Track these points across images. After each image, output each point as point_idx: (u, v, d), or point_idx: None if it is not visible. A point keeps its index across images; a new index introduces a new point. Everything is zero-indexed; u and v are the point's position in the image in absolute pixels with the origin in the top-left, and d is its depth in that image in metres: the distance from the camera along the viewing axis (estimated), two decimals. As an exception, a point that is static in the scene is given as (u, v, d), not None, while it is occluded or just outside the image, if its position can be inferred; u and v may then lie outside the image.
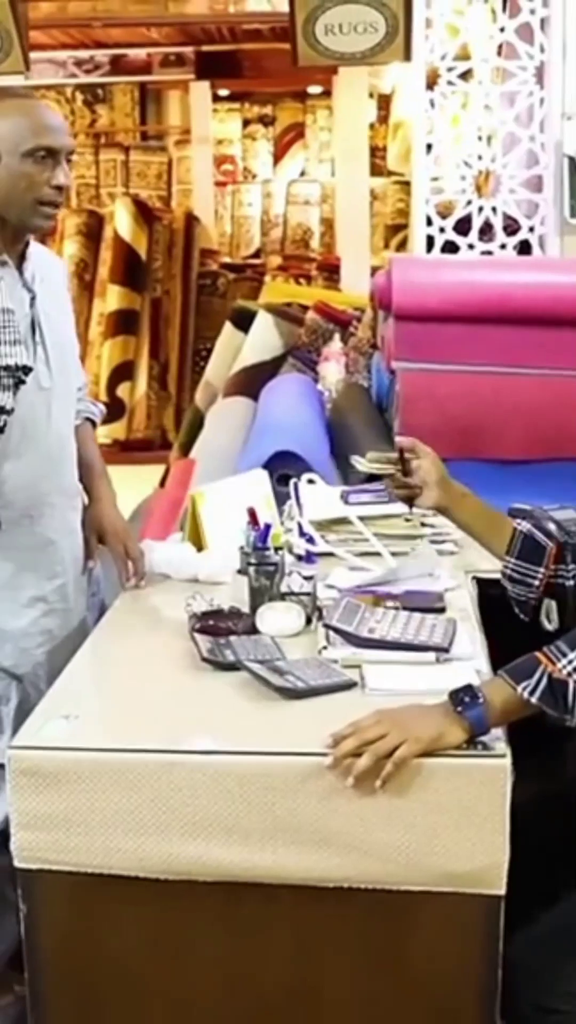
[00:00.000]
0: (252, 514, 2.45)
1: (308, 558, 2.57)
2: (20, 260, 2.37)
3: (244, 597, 2.33)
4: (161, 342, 7.81)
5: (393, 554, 2.61)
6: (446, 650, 2.04)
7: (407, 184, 8.63)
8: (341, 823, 1.69)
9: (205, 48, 7.99)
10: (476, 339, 3.63)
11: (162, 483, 5.23)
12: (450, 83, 4.70)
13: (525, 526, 2.20)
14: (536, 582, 2.17)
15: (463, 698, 1.73)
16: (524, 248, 4.86)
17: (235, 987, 1.77)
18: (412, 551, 2.71)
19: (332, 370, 4.84)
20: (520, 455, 3.57)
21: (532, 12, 4.61)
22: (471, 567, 2.61)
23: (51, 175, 2.28)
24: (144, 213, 7.73)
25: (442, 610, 2.27)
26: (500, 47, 4.70)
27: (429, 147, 4.79)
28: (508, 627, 2.33)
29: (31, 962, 1.80)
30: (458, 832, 1.69)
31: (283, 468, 3.19)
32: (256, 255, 8.80)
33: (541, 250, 4.84)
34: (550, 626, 2.56)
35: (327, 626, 2.10)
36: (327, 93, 8.56)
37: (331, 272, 7.82)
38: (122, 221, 7.64)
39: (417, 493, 2.24)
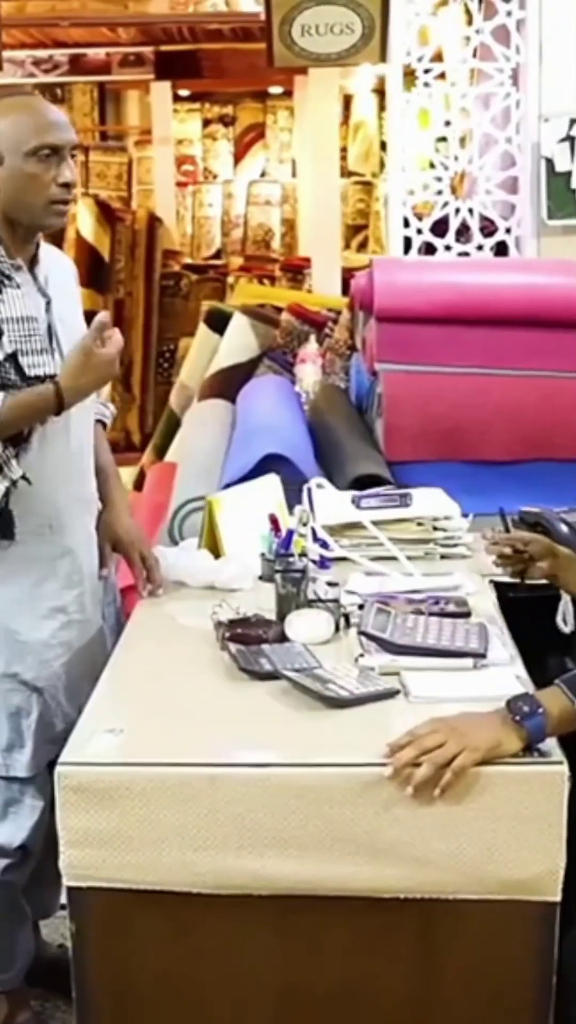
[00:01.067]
0: (274, 520, 2.43)
1: (322, 563, 2.55)
2: (31, 263, 2.33)
3: (267, 604, 2.31)
4: (124, 344, 7.74)
5: (407, 558, 2.61)
6: (483, 655, 2.03)
7: (367, 184, 8.67)
8: (399, 833, 1.68)
9: (164, 48, 7.92)
10: (458, 340, 3.62)
11: (136, 486, 5.18)
12: (426, 84, 4.70)
13: None
14: None
15: (522, 707, 1.72)
16: (501, 249, 4.87)
17: (290, 1001, 1.75)
18: (425, 555, 2.71)
19: (309, 372, 4.82)
20: (504, 456, 3.56)
21: (508, 14, 4.62)
22: (487, 571, 2.61)
23: (57, 173, 2.23)
24: (106, 214, 7.66)
25: (467, 615, 2.27)
26: (475, 49, 4.70)
27: (403, 149, 4.78)
28: (526, 630, 2.34)
29: (79, 981, 1.77)
30: (515, 840, 1.69)
31: (273, 471, 3.17)
32: (217, 256, 8.76)
33: (518, 251, 4.84)
34: (567, 628, 2.57)
35: (362, 633, 2.09)
36: (288, 94, 8.55)
37: (295, 273, 7.80)
38: (84, 222, 7.57)
39: (527, 567, 2.36)
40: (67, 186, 2.24)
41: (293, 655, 2.05)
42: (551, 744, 1.73)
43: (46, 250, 2.39)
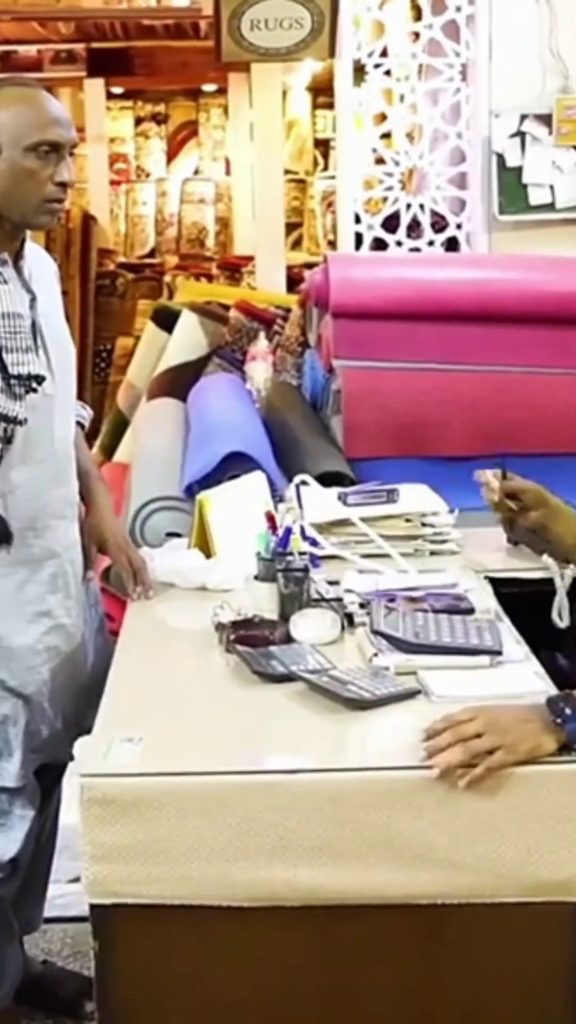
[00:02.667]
0: (271, 518, 2.38)
1: (313, 561, 2.50)
2: (16, 258, 2.25)
3: (263, 604, 2.26)
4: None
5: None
6: (499, 652, 1.99)
7: (301, 182, 8.64)
8: (436, 837, 1.63)
9: (97, 45, 7.81)
10: (415, 336, 3.61)
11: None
12: (376, 79, 4.67)
13: None
14: None
15: (564, 709, 1.68)
16: (451, 245, 4.87)
17: (328, 1014, 1.69)
18: (415, 551, 2.67)
19: (260, 369, 4.77)
20: (464, 452, 3.55)
21: (458, 9, 4.61)
22: (480, 567, 2.58)
23: (55, 171, 2.16)
24: (40, 212, 7.55)
25: (471, 611, 2.23)
26: (424, 44, 4.68)
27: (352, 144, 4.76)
28: (519, 625, 2.31)
29: (103, 1002, 1.69)
30: (553, 840, 1.65)
31: (234, 470, 3.12)
32: (151, 254, 8.66)
33: (468, 247, 4.85)
34: (562, 623, 2.55)
35: (376, 632, 2.04)
36: (221, 91, 8.48)
37: (233, 271, 7.75)
38: (17, 221, 7.45)
39: (517, 517, 2.36)
40: (63, 185, 2.17)
41: (304, 656, 2.00)
42: (587, 742, 1.70)
43: (30, 247, 2.31)
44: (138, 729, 1.77)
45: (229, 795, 1.62)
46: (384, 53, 4.70)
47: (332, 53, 4.78)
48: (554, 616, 2.54)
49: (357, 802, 1.63)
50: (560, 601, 2.54)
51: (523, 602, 2.52)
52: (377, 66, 4.67)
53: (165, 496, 3.10)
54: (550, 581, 2.58)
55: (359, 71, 4.75)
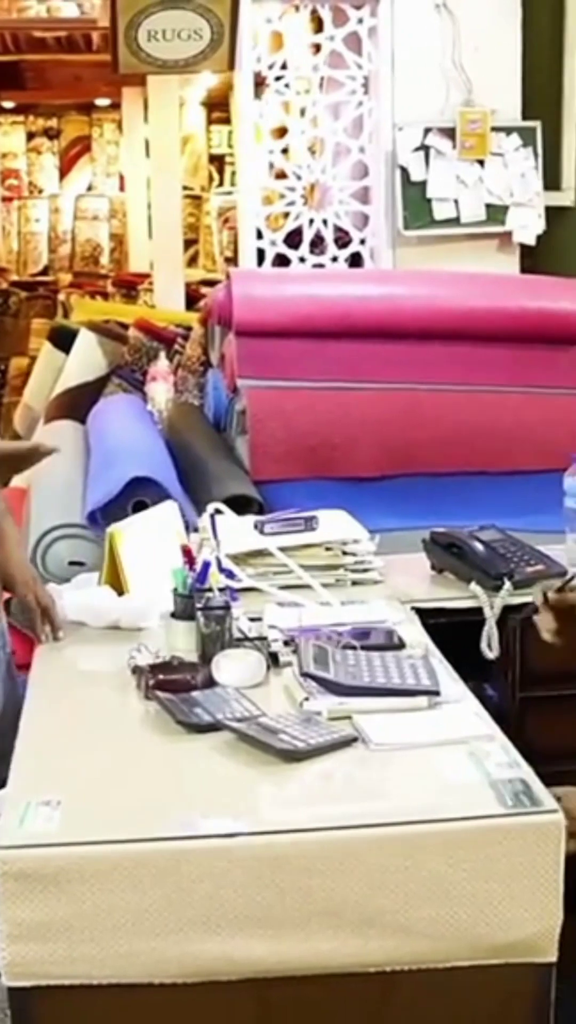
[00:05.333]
0: (187, 552, 2.24)
1: (230, 594, 2.37)
2: None
3: (179, 644, 2.13)
4: (-47, 364, 7.40)
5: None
6: (437, 692, 1.88)
7: (197, 198, 8.52)
8: (385, 903, 1.51)
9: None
10: (320, 354, 3.51)
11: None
12: (278, 92, 4.58)
13: None
14: None
15: None
16: (355, 261, 4.79)
17: None
18: (336, 581, 2.55)
19: (160, 390, 4.63)
20: (372, 472, 3.46)
21: (360, 21, 4.53)
22: (406, 596, 2.48)
23: None
24: None
25: (402, 646, 2.12)
26: (327, 57, 4.60)
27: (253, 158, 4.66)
28: (446, 655, 2.20)
29: None
30: (510, 899, 1.54)
31: (138, 495, 2.99)
32: (44, 272, 8.48)
33: (372, 262, 4.77)
34: (491, 654, 2.47)
35: (306, 675, 1.91)
36: (115, 106, 8.33)
37: (128, 289, 7.60)
38: None
39: None
40: None
41: (229, 702, 1.87)
42: (542, 792, 1.59)
43: None
44: (55, 790, 1.62)
45: (159, 865, 1.48)
46: (284, 66, 4.60)
47: (231, 65, 4.66)
48: (483, 646, 2.46)
49: (298, 867, 1.50)
50: (489, 631, 2.46)
51: (449, 631, 2.43)
52: (278, 78, 4.58)
53: (67, 523, 2.96)
54: (477, 610, 2.49)
55: (259, 84, 4.65)
